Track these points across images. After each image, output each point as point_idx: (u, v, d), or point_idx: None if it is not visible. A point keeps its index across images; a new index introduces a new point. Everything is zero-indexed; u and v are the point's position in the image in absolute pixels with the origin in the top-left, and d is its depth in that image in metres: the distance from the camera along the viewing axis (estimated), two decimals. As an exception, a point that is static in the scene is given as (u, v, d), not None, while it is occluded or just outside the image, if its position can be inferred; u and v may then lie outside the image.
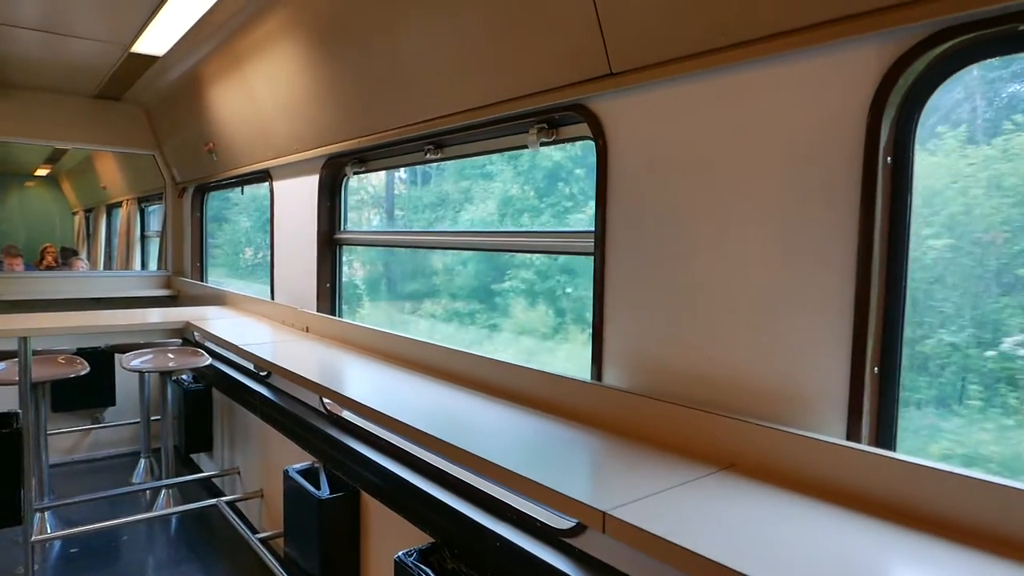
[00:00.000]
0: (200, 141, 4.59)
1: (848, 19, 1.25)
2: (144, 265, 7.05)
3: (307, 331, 3.41)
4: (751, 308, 1.51)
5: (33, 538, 3.39)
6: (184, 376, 4.78)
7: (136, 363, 4.13)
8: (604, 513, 1.22)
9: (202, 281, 5.37)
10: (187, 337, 4.81)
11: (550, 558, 1.87)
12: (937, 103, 1.30)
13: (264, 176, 4.05)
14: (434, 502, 2.33)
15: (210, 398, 4.61)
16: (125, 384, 5.00)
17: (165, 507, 4.19)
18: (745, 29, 1.41)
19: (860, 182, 1.32)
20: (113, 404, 5.13)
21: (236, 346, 3.02)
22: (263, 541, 3.34)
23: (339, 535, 2.84)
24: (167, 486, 4.27)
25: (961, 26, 1.19)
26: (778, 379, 1.46)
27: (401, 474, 2.54)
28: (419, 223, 4.47)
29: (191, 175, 5.23)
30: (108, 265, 8.50)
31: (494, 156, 3.02)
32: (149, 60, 3.98)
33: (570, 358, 3.19)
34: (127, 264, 7.30)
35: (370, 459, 2.72)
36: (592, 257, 1.91)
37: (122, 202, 7.55)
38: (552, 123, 2.11)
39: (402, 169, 4.16)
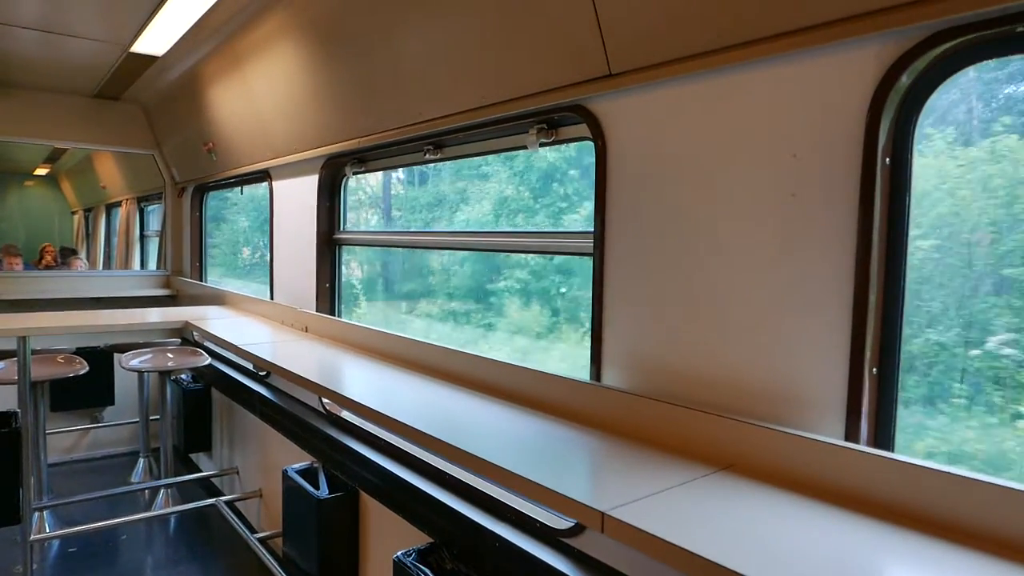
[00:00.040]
0: (200, 141, 4.59)
1: (847, 20, 1.26)
2: (143, 265, 7.05)
3: (306, 331, 3.41)
4: (750, 308, 1.51)
5: (32, 537, 3.39)
6: (183, 376, 4.78)
7: (135, 363, 4.13)
8: (603, 513, 1.22)
9: (201, 281, 5.37)
10: (186, 337, 4.81)
11: (549, 558, 1.87)
12: (934, 104, 1.30)
13: (264, 176, 4.05)
14: (433, 502, 2.33)
15: (209, 398, 4.61)
16: (124, 384, 5.00)
17: (164, 507, 4.19)
18: (744, 30, 1.41)
19: (859, 183, 1.32)
20: (112, 403, 5.13)
21: (235, 346, 3.02)
22: (262, 541, 3.34)
23: (338, 535, 2.84)
24: (166, 486, 4.27)
25: (960, 27, 1.19)
26: (777, 379, 1.46)
27: (400, 474, 2.54)
28: (416, 223, 4.48)
29: (190, 175, 5.23)
30: (107, 265, 8.50)
31: (490, 157, 3.03)
32: (148, 60, 3.98)
33: (564, 357, 3.20)
34: (126, 264, 7.30)
35: (369, 459, 2.72)
36: (591, 258, 1.91)
37: (121, 201, 7.55)
38: (552, 124, 2.11)
39: (400, 169, 4.16)
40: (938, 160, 1.35)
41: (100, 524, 3.68)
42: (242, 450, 4.19)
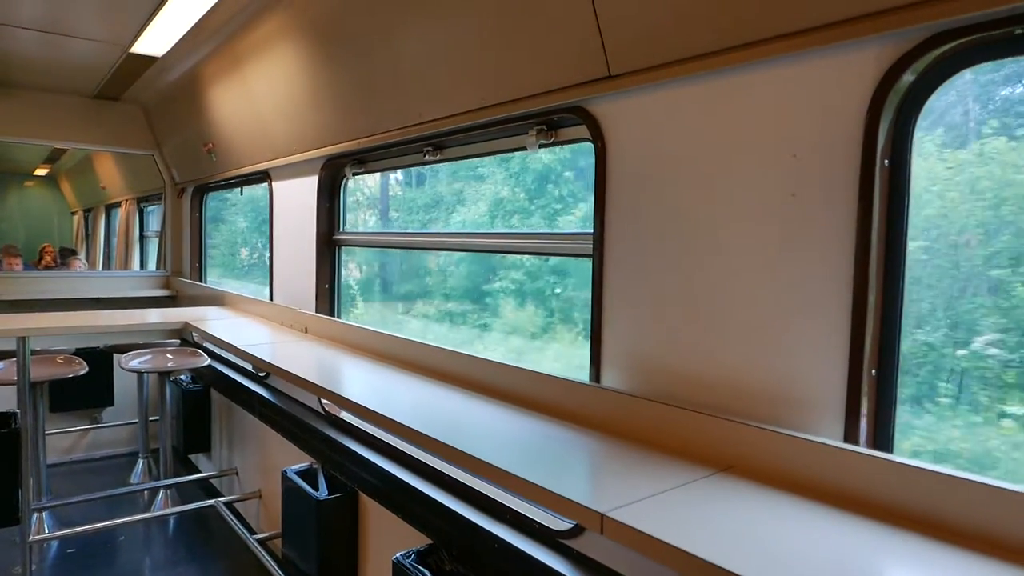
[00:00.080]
0: (199, 142, 4.59)
1: (846, 22, 1.26)
2: (143, 265, 7.05)
3: (306, 332, 3.41)
4: (750, 310, 1.51)
5: (31, 538, 3.39)
6: (183, 376, 4.78)
7: (135, 363, 4.13)
8: (602, 515, 1.22)
9: (201, 281, 5.37)
10: (186, 337, 4.80)
11: (548, 559, 1.87)
12: (931, 106, 1.31)
13: (263, 177, 4.05)
14: (432, 503, 2.33)
15: (208, 399, 4.61)
16: (123, 384, 5.00)
17: (163, 507, 4.19)
18: (743, 32, 1.41)
19: (858, 184, 1.33)
20: (111, 404, 5.13)
21: (235, 347, 3.01)
22: (261, 542, 3.33)
23: (337, 536, 2.84)
24: (165, 486, 4.27)
25: (959, 29, 1.19)
26: (776, 381, 1.46)
27: (399, 475, 2.54)
28: (413, 224, 4.49)
29: (190, 175, 5.23)
30: (107, 265, 8.50)
31: (486, 158, 3.04)
32: (148, 61, 3.98)
33: (558, 357, 3.22)
34: (126, 264, 7.30)
35: (368, 460, 2.72)
36: (591, 259, 1.91)
37: (121, 202, 7.54)
38: (551, 125, 2.12)
39: (398, 171, 4.17)
40: (927, 162, 1.36)
41: (99, 525, 3.68)
42: (241, 451, 4.19)
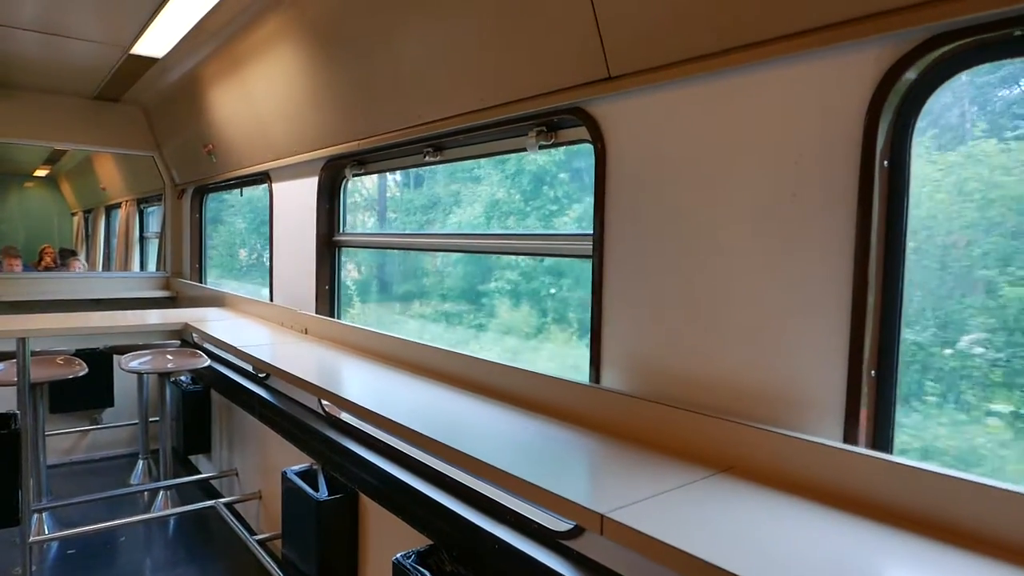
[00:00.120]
0: (199, 143, 4.59)
1: (846, 23, 1.26)
2: (143, 266, 7.04)
3: (306, 333, 3.41)
4: (749, 311, 1.51)
5: (31, 539, 3.39)
6: (182, 377, 4.78)
7: (135, 364, 4.13)
8: (602, 516, 1.22)
9: (201, 282, 5.37)
10: (186, 338, 4.80)
11: (548, 560, 1.87)
12: (930, 107, 1.31)
13: (263, 178, 4.05)
14: (433, 504, 2.33)
15: (208, 399, 4.61)
16: (123, 385, 5.00)
17: (163, 508, 4.19)
18: (743, 33, 1.42)
19: (857, 185, 1.33)
20: (111, 405, 5.13)
21: (235, 348, 3.02)
22: (261, 543, 3.33)
23: (337, 537, 2.84)
24: (165, 487, 4.27)
25: (959, 31, 1.19)
26: (776, 381, 1.46)
27: (400, 476, 2.54)
28: (411, 225, 4.50)
29: (190, 176, 5.23)
30: (107, 266, 8.50)
31: (482, 160, 3.04)
32: (148, 62, 3.98)
33: (552, 357, 3.22)
34: (126, 265, 7.30)
35: (368, 461, 2.72)
36: (590, 260, 1.91)
37: (121, 203, 7.54)
38: (551, 126, 2.12)
39: (396, 172, 4.17)
40: (917, 164, 1.37)
41: (99, 526, 3.68)
42: (241, 452, 4.19)
